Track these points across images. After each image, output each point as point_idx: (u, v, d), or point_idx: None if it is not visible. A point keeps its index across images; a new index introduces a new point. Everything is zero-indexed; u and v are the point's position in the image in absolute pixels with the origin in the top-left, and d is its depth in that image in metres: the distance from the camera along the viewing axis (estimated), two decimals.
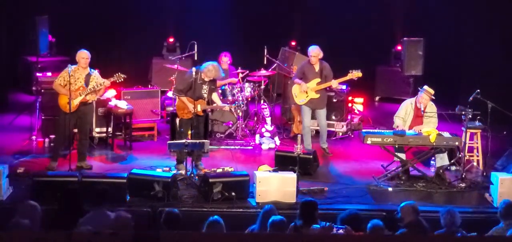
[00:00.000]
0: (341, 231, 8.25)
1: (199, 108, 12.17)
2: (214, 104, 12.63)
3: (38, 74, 15.66)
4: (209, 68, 12.23)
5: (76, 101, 12.03)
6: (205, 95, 12.33)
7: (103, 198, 9.19)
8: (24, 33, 16.16)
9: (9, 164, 11.55)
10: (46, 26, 16.08)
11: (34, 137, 13.77)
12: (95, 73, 12.29)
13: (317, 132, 14.01)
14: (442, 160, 12.25)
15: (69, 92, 11.85)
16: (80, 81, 12.09)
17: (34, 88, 15.95)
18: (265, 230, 8.66)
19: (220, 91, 14.06)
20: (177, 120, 12.54)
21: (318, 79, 13.27)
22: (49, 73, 15.43)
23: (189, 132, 12.39)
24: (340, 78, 13.31)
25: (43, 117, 13.64)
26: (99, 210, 8.97)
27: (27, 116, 14.33)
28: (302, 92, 13.34)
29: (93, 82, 12.16)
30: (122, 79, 12.46)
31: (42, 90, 13.87)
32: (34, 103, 14.23)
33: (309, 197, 10.88)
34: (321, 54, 13.31)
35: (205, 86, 12.30)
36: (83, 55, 12.20)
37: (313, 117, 13.66)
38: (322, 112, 13.50)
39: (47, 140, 13.42)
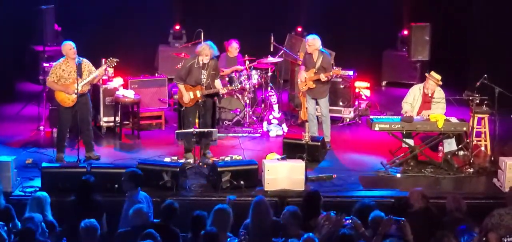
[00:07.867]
0: (348, 221, 8.25)
1: (198, 94, 12.09)
2: (214, 89, 12.43)
3: (45, 63, 15.64)
4: (203, 47, 12.18)
5: (74, 95, 11.94)
6: (204, 80, 12.20)
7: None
8: (30, 23, 16.12)
9: (17, 155, 11.57)
10: (52, 15, 16.05)
11: (41, 127, 13.76)
12: (85, 60, 12.18)
13: None
14: (450, 145, 12.24)
15: (76, 84, 11.75)
16: (73, 74, 11.96)
17: (41, 77, 15.95)
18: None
19: (227, 79, 14.04)
20: (182, 110, 12.47)
21: (314, 70, 13.03)
22: (55, 63, 15.38)
23: (197, 121, 12.36)
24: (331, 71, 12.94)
25: (50, 107, 13.58)
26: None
27: (35, 106, 14.32)
28: (303, 81, 13.23)
29: (86, 71, 12.09)
30: (115, 64, 12.41)
31: None
32: (41, 93, 14.21)
33: (314, 187, 10.87)
34: (316, 45, 12.90)
35: (204, 72, 12.18)
36: (70, 46, 12.07)
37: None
38: (322, 102, 13.17)
39: (54, 130, 13.36)
